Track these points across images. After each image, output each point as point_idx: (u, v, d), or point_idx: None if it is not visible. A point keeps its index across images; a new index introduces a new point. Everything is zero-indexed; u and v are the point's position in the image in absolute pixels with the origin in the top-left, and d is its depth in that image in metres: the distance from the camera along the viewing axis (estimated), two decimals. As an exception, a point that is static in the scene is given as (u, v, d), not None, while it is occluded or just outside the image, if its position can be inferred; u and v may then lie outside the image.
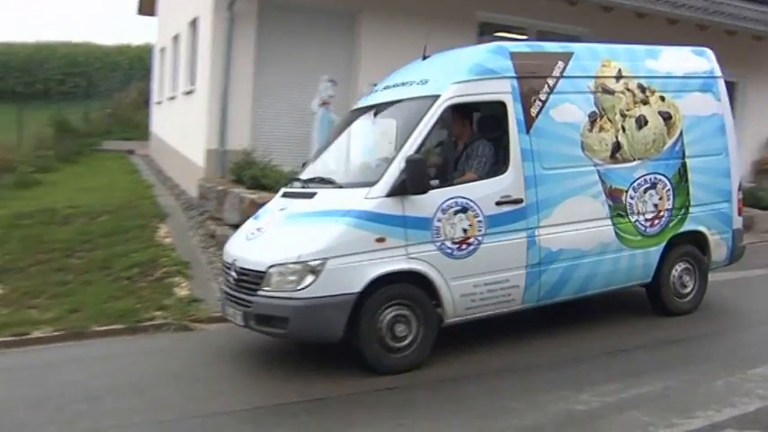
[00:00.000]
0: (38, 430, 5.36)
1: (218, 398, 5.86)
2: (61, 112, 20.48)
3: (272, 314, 6.10)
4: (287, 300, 5.99)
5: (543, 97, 6.95)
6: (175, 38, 16.15)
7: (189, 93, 13.66)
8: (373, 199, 6.15)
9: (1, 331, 7.61)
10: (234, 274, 6.46)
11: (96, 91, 24.17)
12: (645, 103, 7.54)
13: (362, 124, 7.52)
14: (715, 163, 7.96)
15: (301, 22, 11.97)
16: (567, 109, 7.09)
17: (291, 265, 5.99)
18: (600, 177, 7.17)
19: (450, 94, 6.57)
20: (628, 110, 7.42)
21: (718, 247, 8.04)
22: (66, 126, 19.91)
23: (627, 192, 7.33)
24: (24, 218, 12.01)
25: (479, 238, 6.46)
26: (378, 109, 7.43)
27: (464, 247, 6.40)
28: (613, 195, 7.25)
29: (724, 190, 8.01)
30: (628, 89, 7.47)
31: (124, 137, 22.59)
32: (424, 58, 7.51)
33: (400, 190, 6.17)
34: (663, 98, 7.65)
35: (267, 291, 6.09)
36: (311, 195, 6.64)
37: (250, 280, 6.25)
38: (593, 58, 7.43)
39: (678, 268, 7.82)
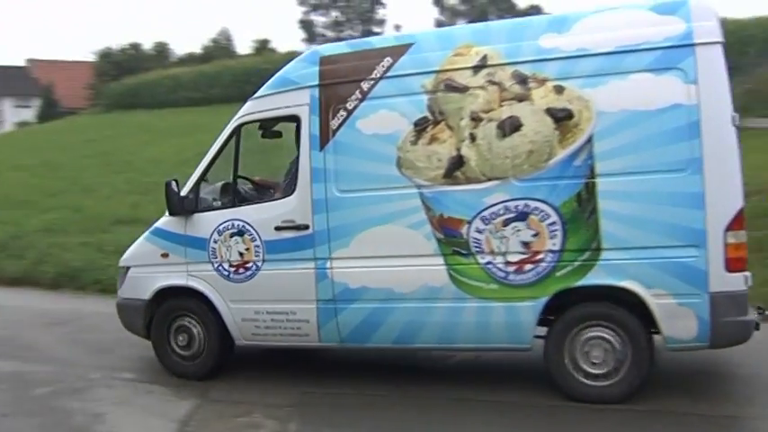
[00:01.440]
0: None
1: None
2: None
3: None
4: (118, 297, 7.23)
5: (351, 106, 6.03)
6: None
7: None
8: (166, 216, 6.73)
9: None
10: None
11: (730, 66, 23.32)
12: (523, 99, 5.62)
13: None
14: (666, 184, 5.38)
15: None
16: (382, 117, 5.95)
17: (119, 267, 7.18)
18: (423, 203, 5.85)
19: (242, 111, 6.54)
20: (486, 111, 5.69)
21: (677, 319, 5.42)
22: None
23: (470, 223, 5.76)
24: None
25: (257, 264, 6.37)
26: None
27: (241, 270, 6.42)
28: (446, 227, 5.83)
29: (686, 228, 5.35)
30: (492, 82, 5.69)
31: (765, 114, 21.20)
32: None
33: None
34: (560, 89, 5.54)
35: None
36: None
37: None
38: (443, 47, 5.90)
39: (581, 337, 5.70)
